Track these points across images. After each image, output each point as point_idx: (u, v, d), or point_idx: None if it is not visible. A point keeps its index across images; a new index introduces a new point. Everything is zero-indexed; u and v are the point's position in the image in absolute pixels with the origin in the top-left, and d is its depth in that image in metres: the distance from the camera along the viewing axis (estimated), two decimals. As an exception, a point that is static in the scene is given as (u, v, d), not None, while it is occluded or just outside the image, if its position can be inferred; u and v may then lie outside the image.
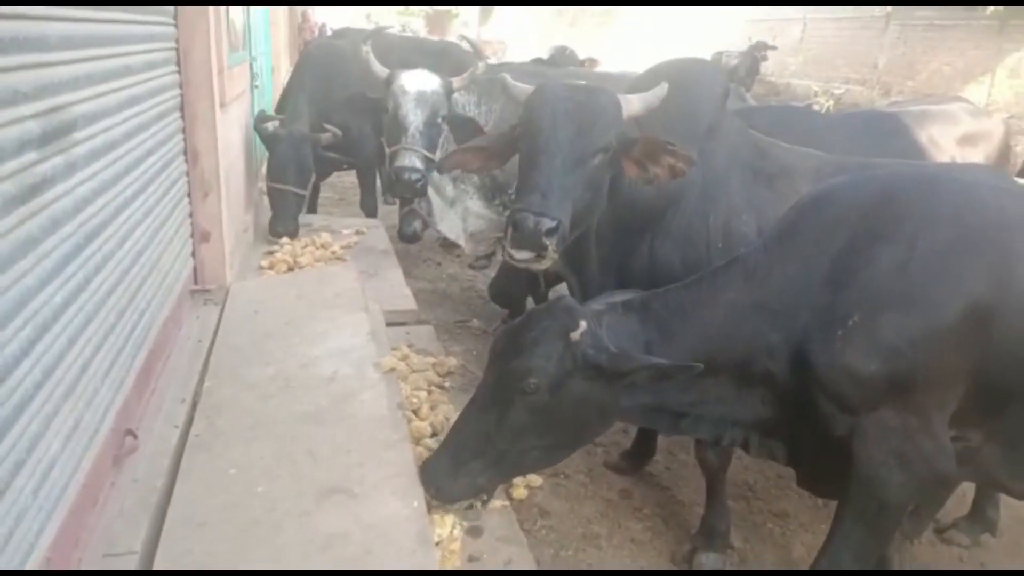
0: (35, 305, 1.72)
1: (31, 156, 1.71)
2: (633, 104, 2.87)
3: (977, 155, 4.16)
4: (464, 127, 4.12)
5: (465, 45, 5.82)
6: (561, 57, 11.22)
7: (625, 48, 25.98)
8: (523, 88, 3.08)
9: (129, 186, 2.59)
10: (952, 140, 4.16)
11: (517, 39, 29.23)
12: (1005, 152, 4.28)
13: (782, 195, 3.12)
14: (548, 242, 2.55)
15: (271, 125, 5.38)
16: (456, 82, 4.33)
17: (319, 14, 20.36)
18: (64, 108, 1.91)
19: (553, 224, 2.52)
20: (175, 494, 2.23)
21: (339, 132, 5.53)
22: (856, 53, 20.05)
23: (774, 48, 17.70)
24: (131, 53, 2.67)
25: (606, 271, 3.14)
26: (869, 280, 2.16)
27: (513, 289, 3.47)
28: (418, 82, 4.32)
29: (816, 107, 13.98)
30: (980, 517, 3.23)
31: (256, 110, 6.15)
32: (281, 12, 12.15)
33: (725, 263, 2.53)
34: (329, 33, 15.04)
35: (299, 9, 15.77)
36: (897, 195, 2.31)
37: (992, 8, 15.66)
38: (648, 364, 2.24)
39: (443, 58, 6.91)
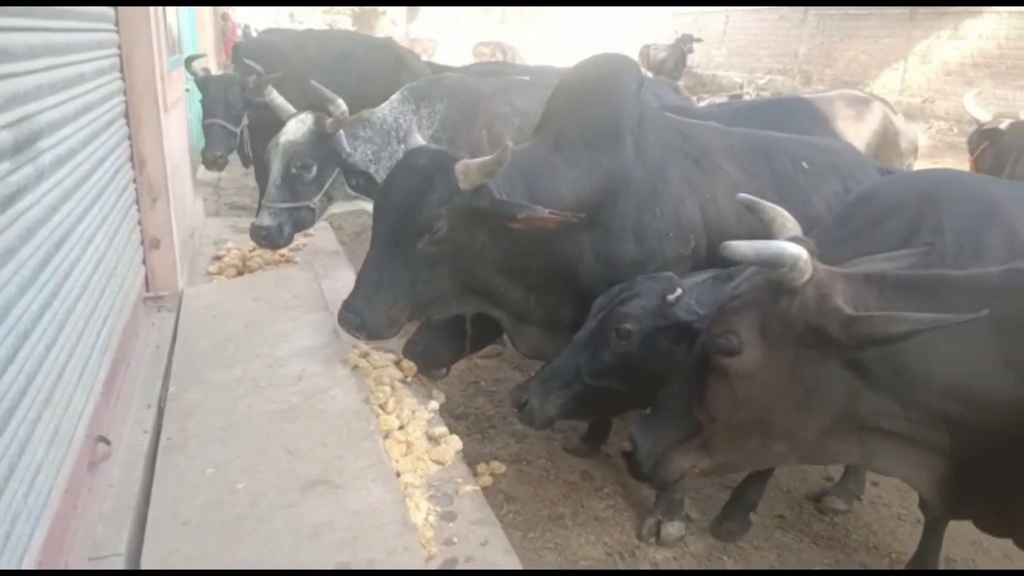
0: (16, 312, 1.74)
1: (6, 166, 1.73)
2: (472, 173, 2.75)
3: (856, 135, 4.63)
4: (359, 177, 4.12)
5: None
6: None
7: (554, 43, 26.25)
8: None
9: (87, 193, 2.59)
10: (835, 122, 4.65)
11: (446, 37, 29.22)
12: (881, 133, 4.81)
13: (711, 175, 3.30)
14: (359, 336, 2.83)
15: (202, 70, 6.09)
16: (330, 124, 4.15)
17: (240, 14, 19.98)
18: (31, 117, 1.92)
19: (357, 321, 2.75)
20: (154, 496, 2.25)
21: (260, 68, 5.66)
22: (777, 44, 20.76)
23: (699, 41, 18.20)
24: (83, 61, 2.66)
25: (544, 290, 3.18)
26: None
27: (437, 354, 3.49)
28: (287, 131, 4.23)
29: (746, 97, 14.45)
30: (845, 487, 3.42)
31: (188, 115, 6.25)
32: (207, 14, 11.93)
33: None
34: (254, 34, 14.82)
35: (220, 10, 15.48)
36: (934, 195, 2.62)
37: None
38: None
39: (383, 53, 6.97)
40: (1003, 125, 5.04)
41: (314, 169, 4.15)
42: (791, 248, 1.75)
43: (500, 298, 3.10)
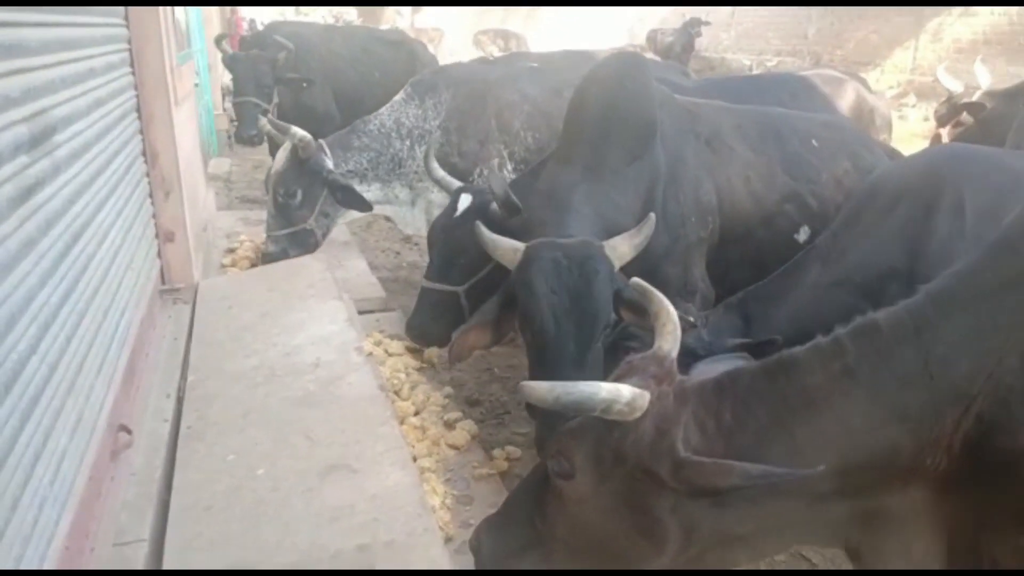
0: (37, 304, 1.77)
1: (23, 159, 1.75)
2: (623, 251, 2.61)
3: (832, 112, 4.59)
4: (341, 191, 4.21)
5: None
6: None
7: (561, 28, 26.11)
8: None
9: (103, 187, 2.62)
10: (812, 100, 4.63)
11: (452, 26, 29.13)
12: (856, 110, 4.81)
13: (723, 156, 3.28)
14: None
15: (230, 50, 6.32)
16: (301, 150, 4.23)
17: (245, 8, 20.01)
18: (46, 112, 1.95)
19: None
20: (176, 483, 2.29)
21: (291, 45, 6.11)
22: (786, 25, 20.54)
23: (707, 24, 18.04)
24: (94, 56, 2.68)
25: None
26: (936, 251, 2.40)
27: (437, 327, 3.48)
28: (275, 163, 4.41)
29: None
30: None
31: (198, 109, 6.36)
32: (214, 9, 11.95)
33: (802, 253, 2.78)
34: (260, 28, 14.84)
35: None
36: (939, 170, 2.58)
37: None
38: None
39: (399, 49, 7.10)
40: (976, 97, 5.01)
41: (299, 194, 4.32)
42: (604, 393, 1.56)
43: None
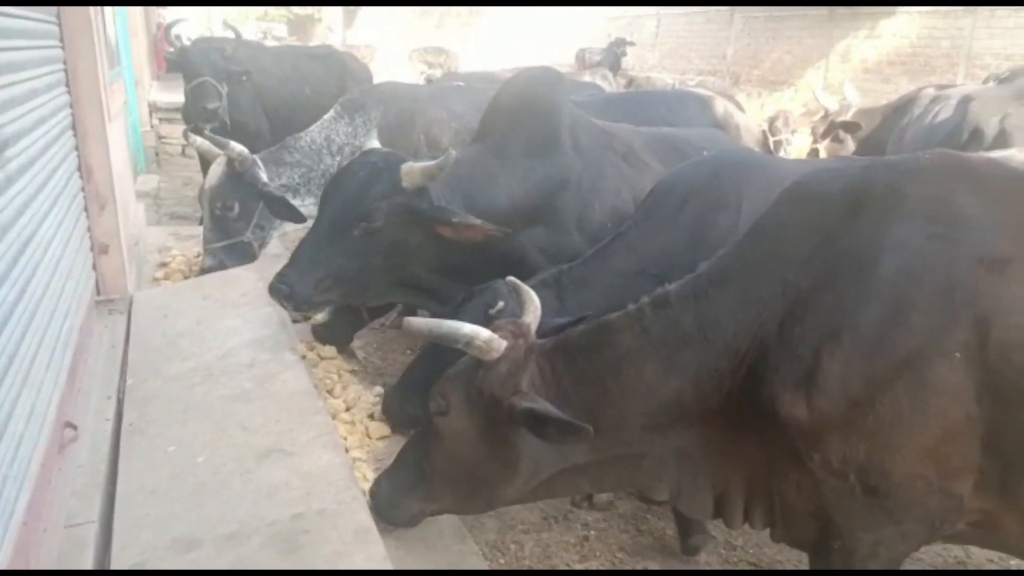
0: (-5, 303, 1.96)
1: (-18, 173, 1.94)
2: (415, 175, 3.07)
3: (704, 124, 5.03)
4: (276, 204, 4.34)
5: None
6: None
7: (491, 47, 26.58)
8: None
9: (45, 200, 2.78)
10: (685, 115, 5.04)
11: (384, 42, 29.28)
12: (725, 126, 5.19)
13: (638, 169, 3.68)
14: (287, 305, 3.18)
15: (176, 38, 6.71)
16: (237, 164, 4.42)
17: (169, 22, 19.76)
18: (1, 128, 2.14)
19: (286, 291, 3.09)
20: (121, 472, 2.47)
21: (239, 30, 6.57)
22: (707, 46, 21.48)
23: (632, 44, 18.71)
24: (35, 77, 2.86)
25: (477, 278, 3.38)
26: (717, 241, 2.72)
27: (336, 328, 3.85)
28: (209, 177, 4.57)
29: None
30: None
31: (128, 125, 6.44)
32: (140, 24, 11.89)
33: (609, 239, 3.08)
34: (187, 43, 14.73)
35: (152, 12, 15.39)
36: (721, 173, 2.90)
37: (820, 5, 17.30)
38: None
39: (329, 64, 7.30)
40: (850, 115, 5.56)
41: (236, 207, 4.48)
42: (465, 329, 2.04)
43: (437, 291, 3.39)
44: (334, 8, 37.68)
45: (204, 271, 4.52)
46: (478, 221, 3.04)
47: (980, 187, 1.84)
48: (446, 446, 2.16)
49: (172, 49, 6.88)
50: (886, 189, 1.88)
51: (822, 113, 6.23)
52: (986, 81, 8.52)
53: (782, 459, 1.92)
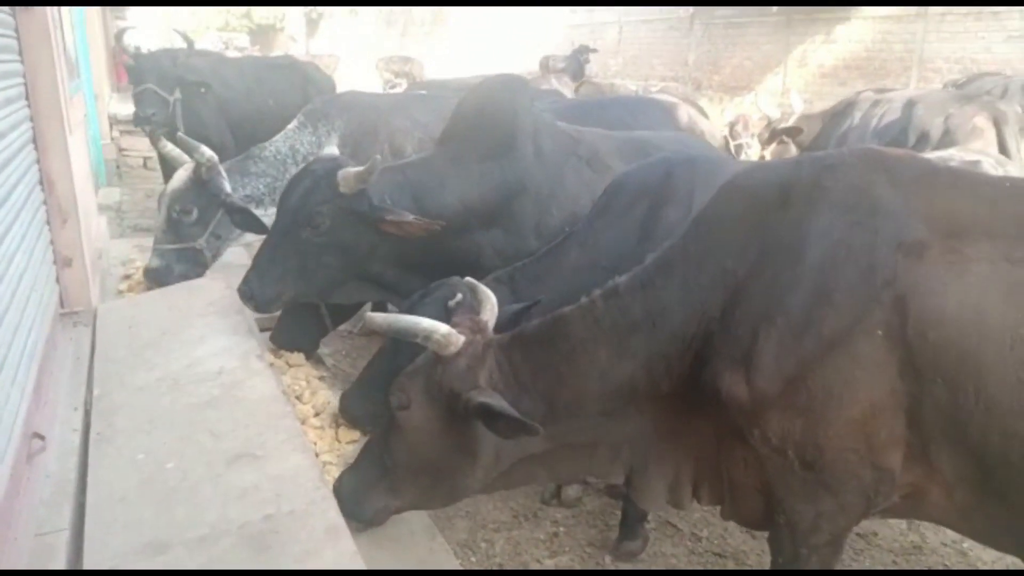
0: (-38, 315, 1.97)
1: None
2: (350, 180, 3.31)
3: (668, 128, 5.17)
4: (238, 214, 4.37)
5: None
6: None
7: (455, 55, 26.67)
8: None
9: (8, 214, 2.79)
10: (650, 120, 5.17)
11: (347, 52, 29.23)
12: (690, 131, 5.34)
13: (601, 175, 3.77)
14: (248, 305, 3.52)
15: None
16: (204, 171, 4.44)
17: (130, 35, 19.54)
18: (-37, 143, 2.15)
19: (248, 291, 3.45)
20: (90, 481, 2.48)
21: (191, 38, 6.71)
22: (668, 52, 21.81)
23: (595, 51, 18.93)
24: (-5, 90, 2.87)
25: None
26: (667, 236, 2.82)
27: (298, 334, 3.98)
28: (172, 181, 4.59)
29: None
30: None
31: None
32: (99, 35, 11.77)
33: (563, 237, 3.20)
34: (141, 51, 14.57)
35: (113, 24, 15.24)
36: (673, 172, 3.00)
37: (778, 7, 17.63)
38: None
39: (292, 74, 7.33)
40: (792, 121, 5.76)
41: (195, 212, 4.50)
42: (424, 323, 2.15)
43: (400, 288, 3.49)
44: (297, 17, 37.52)
45: (149, 271, 4.54)
46: (411, 217, 3.28)
47: (896, 178, 1.97)
48: (408, 440, 2.24)
49: (130, 60, 6.87)
50: (811, 182, 2.01)
51: (766, 121, 6.44)
52: (944, 87, 8.80)
53: (728, 438, 2.03)
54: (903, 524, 3.48)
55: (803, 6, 17.26)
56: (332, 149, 3.82)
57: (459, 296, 2.78)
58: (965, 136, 4.82)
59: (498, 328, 2.39)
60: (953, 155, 3.90)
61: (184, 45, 7.73)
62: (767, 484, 2.05)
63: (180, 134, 4.79)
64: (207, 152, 4.43)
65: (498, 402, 2.03)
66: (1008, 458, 1.80)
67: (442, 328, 2.14)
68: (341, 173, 3.33)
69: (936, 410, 1.84)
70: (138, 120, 6.58)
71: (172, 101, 6.46)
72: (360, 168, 3.33)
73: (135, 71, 6.62)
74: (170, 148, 4.76)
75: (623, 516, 3.21)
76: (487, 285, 2.80)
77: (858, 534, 3.40)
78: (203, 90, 6.46)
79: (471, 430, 2.14)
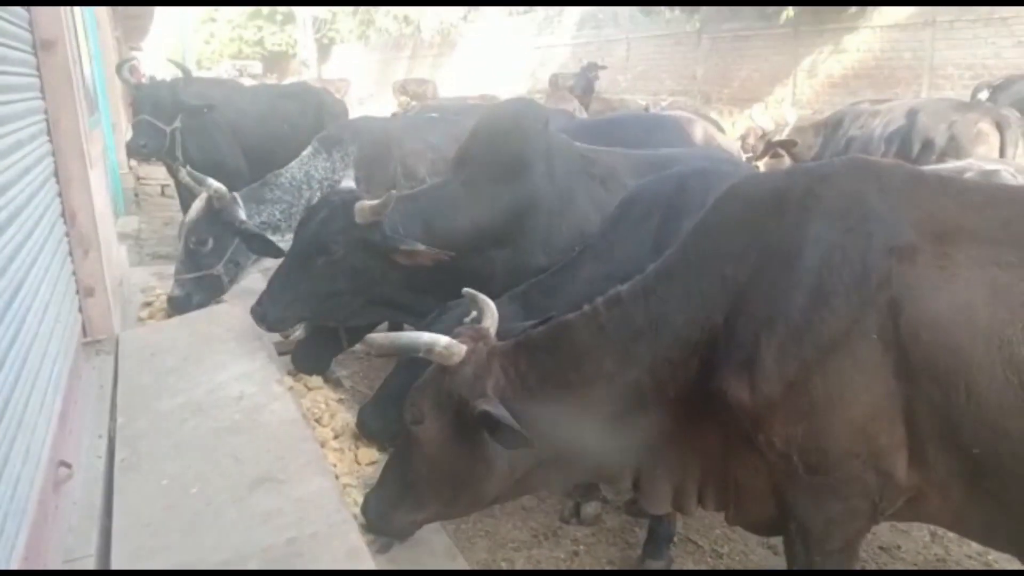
0: (-8, 348, 2.03)
1: (-26, 224, 2.03)
2: (366, 212, 3.43)
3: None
4: (254, 240, 4.47)
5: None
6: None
7: (465, 76, 26.91)
8: None
9: (33, 247, 2.87)
10: (666, 137, 5.17)
11: (358, 76, 29.57)
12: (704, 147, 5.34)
13: (614, 193, 3.81)
14: (261, 325, 3.61)
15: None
16: (216, 201, 4.54)
17: (144, 64, 19.95)
18: (-10, 180, 2.23)
19: (260, 312, 3.54)
20: (116, 507, 2.53)
21: (189, 69, 6.68)
22: (676, 67, 21.89)
23: (604, 68, 19.06)
24: (19, 129, 2.96)
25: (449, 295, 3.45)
26: None
27: (317, 356, 4.04)
28: (189, 212, 4.70)
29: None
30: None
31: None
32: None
33: (578, 252, 3.27)
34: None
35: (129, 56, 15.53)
36: (687, 184, 3.04)
37: (785, 17, 17.65)
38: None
39: (306, 101, 7.45)
40: (786, 133, 5.78)
41: (210, 242, 4.60)
42: (424, 338, 2.19)
43: (414, 308, 3.55)
44: (308, 43, 38.00)
45: (170, 299, 4.65)
46: (422, 247, 3.39)
47: (886, 186, 2.02)
48: (426, 453, 2.26)
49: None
50: (804, 191, 2.05)
51: (760, 134, 6.49)
52: (978, 89, 8.77)
53: (736, 443, 2.06)
54: (926, 536, 3.45)
55: (811, 6, 17.18)
56: (349, 182, 3.98)
57: (474, 314, 2.81)
58: (970, 141, 4.84)
59: (503, 340, 2.42)
60: (972, 165, 3.91)
61: (193, 74, 7.84)
62: (776, 490, 2.08)
63: (188, 169, 4.91)
64: (214, 184, 4.54)
65: (499, 410, 2.05)
66: (999, 455, 1.84)
67: (442, 339, 2.17)
68: (358, 205, 3.45)
69: (931, 410, 1.87)
70: (129, 151, 6.77)
71: (169, 131, 6.53)
72: (376, 201, 3.43)
73: (136, 102, 6.74)
74: (189, 178, 4.86)
75: (649, 533, 3.20)
76: (501, 303, 2.84)
77: (881, 547, 3.39)
78: (207, 110, 6.54)
79: (482, 438, 2.16)
